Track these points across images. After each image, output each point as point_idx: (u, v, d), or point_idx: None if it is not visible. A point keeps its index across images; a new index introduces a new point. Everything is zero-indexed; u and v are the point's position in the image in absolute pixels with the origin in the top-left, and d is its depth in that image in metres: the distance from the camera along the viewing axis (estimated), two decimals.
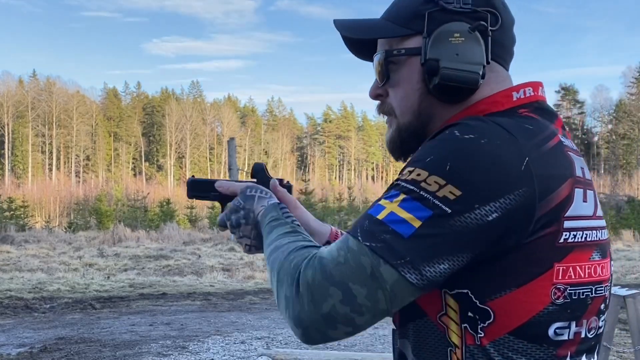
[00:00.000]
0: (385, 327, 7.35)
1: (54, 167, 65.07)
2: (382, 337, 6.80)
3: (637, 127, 61.29)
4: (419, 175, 0.81)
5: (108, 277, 12.15)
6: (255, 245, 1.13)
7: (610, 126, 66.10)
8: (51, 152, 65.94)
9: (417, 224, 0.79)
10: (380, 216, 0.82)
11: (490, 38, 0.92)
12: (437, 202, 0.79)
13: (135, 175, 66.32)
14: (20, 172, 61.09)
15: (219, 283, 11.81)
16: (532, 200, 0.80)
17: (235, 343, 6.48)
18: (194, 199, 1.26)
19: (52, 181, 53.44)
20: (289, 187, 1.23)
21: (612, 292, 4.03)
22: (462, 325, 0.85)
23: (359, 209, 27.47)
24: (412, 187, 0.81)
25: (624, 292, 4.06)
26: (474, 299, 0.83)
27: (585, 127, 65.60)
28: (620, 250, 19.05)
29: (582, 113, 65.39)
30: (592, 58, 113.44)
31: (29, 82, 69.08)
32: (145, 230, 21.94)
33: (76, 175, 62.96)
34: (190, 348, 6.23)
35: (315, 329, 0.82)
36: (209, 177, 1.28)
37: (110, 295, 9.92)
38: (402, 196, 0.81)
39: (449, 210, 0.79)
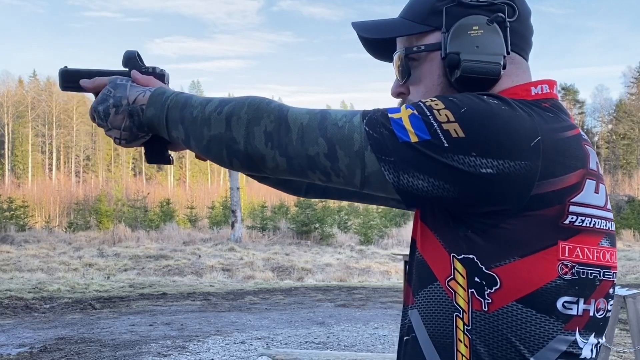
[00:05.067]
0: (385, 327, 7.35)
1: (54, 167, 64.99)
2: (383, 337, 6.80)
3: (637, 127, 61.26)
4: (437, 105, 0.86)
5: (108, 277, 12.16)
6: (125, 137, 1.06)
7: (610, 126, 66.02)
8: (51, 152, 65.85)
9: (414, 139, 0.85)
10: (392, 115, 0.88)
11: (508, 29, 0.93)
12: (439, 131, 0.84)
13: (135, 175, 66.20)
14: (20, 172, 61.00)
15: (219, 283, 11.81)
16: (531, 177, 0.83)
17: (235, 343, 6.48)
18: (68, 91, 1.15)
19: (52, 181, 53.34)
20: (161, 76, 1.12)
21: None
22: (469, 290, 0.88)
23: (359, 209, 27.41)
24: (425, 110, 0.86)
25: (624, 292, 4.06)
26: (479, 264, 0.86)
27: (585, 127, 65.52)
28: (620, 250, 19.03)
29: (582, 113, 65.25)
30: (592, 58, 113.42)
31: (29, 82, 69.05)
32: (145, 230, 21.93)
33: (76, 175, 62.87)
34: (190, 348, 6.23)
35: (298, 163, 0.91)
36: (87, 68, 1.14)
37: (110, 295, 9.92)
38: (415, 111, 0.87)
39: (446, 144, 0.83)
